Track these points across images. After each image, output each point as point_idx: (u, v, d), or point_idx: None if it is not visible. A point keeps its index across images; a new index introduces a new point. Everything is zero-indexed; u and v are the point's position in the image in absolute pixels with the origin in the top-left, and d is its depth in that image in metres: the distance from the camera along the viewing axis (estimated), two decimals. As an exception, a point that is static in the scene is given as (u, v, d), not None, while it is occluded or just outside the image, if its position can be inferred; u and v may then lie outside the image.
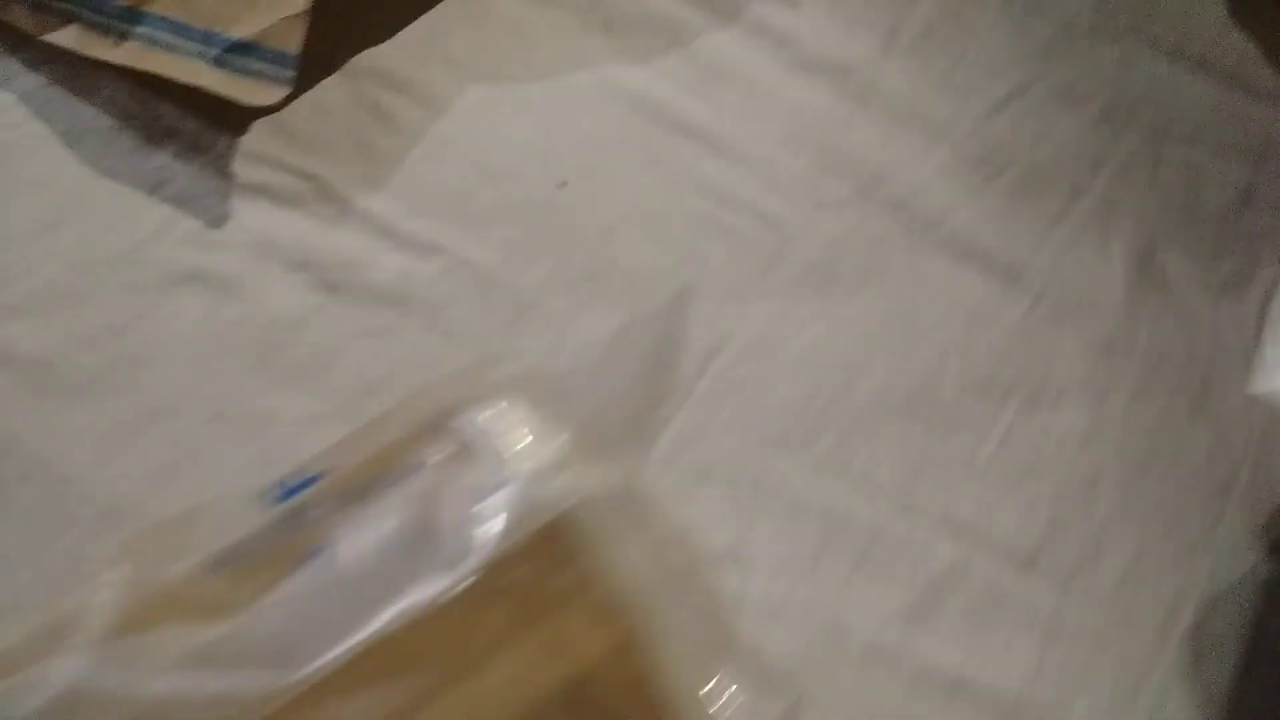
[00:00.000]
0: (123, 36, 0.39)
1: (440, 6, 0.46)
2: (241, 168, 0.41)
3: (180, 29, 0.38)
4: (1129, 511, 0.42)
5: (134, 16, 0.39)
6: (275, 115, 0.42)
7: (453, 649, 0.21)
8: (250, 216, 0.41)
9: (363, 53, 0.43)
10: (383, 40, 0.45)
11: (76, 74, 0.42)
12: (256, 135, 0.42)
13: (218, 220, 0.40)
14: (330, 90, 0.43)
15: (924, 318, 0.44)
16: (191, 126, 0.42)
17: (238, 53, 0.38)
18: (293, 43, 0.37)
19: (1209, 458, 0.43)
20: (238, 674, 0.20)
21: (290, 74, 0.38)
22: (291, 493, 0.24)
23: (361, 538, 0.21)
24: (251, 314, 0.39)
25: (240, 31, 0.38)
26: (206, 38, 0.38)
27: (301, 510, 0.23)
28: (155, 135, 0.41)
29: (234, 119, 0.42)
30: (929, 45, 0.48)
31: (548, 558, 0.22)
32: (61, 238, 0.39)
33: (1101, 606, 0.40)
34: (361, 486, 0.23)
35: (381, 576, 0.21)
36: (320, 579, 0.21)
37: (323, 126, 0.42)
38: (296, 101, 0.42)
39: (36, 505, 0.34)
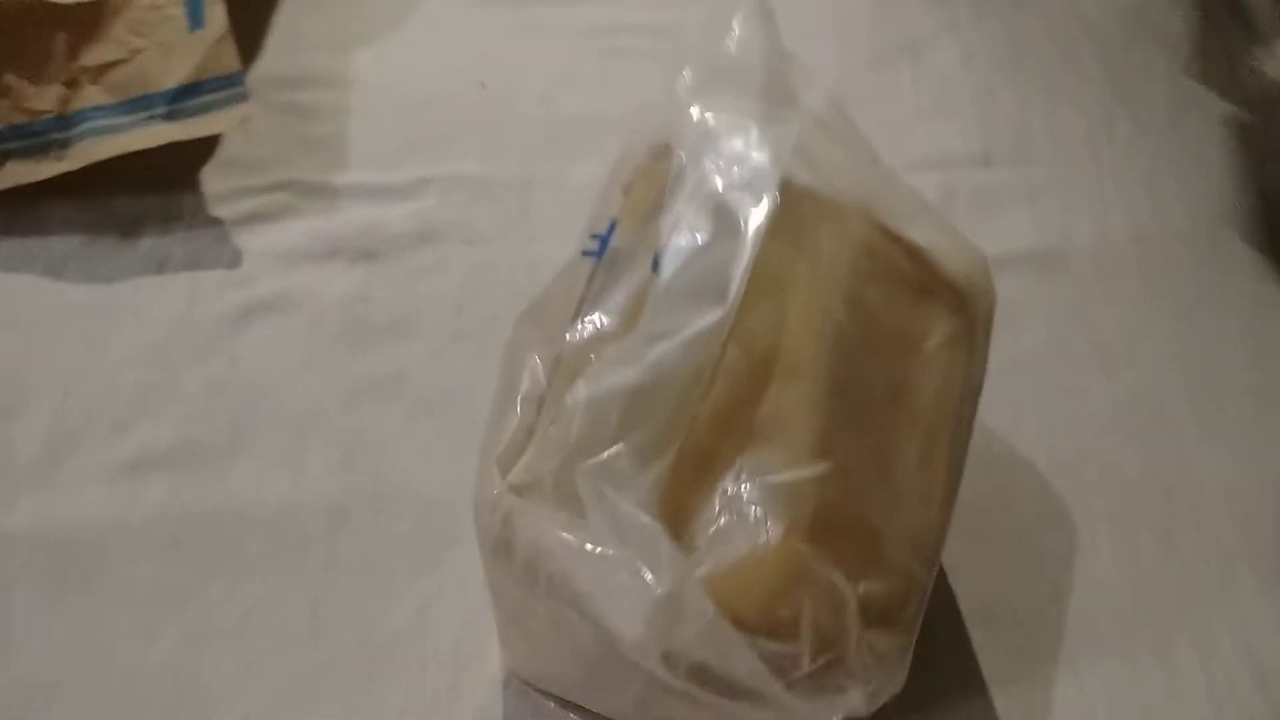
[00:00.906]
0: (63, 146, 0.40)
1: (284, 5, 0.48)
2: (220, 211, 0.43)
3: (117, 108, 0.40)
4: None
5: (67, 122, 0.40)
6: (215, 158, 0.44)
7: (787, 259, 0.26)
8: (257, 242, 0.43)
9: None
10: (253, 56, 0.47)
11: (19, 221, 0.42)
12: (212, 180, 0.44)
13: (234, 260, 0.42)
14: (244, 115, 0.45)
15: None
16: (152, 203, 0.43)
17: (184, 98, 0.40)
18: (230, 62, 0.40)
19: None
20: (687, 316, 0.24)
21: (242, 89, 0.40)
22: (605, 240, 0.28)
23: (680, 234, 0.26)
24: (319, 310, 0.41)
25: (175, 79, 0.40)
26: (147, 102, 0.40)
27: (616, 251, 0.27)
28: (126, 228, 0.43)
29: (182, 179, 0.44)
30: None
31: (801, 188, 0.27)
32: (115, 353, 0.40)
33: None
34: (648, 211, 0.27)
35: (714, 244, 0.26)
36: (677, 262, 0.25)
37: (260, 144, 0.45)
38: (224, 137, 0.44)
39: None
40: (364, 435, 0.38)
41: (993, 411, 0.27)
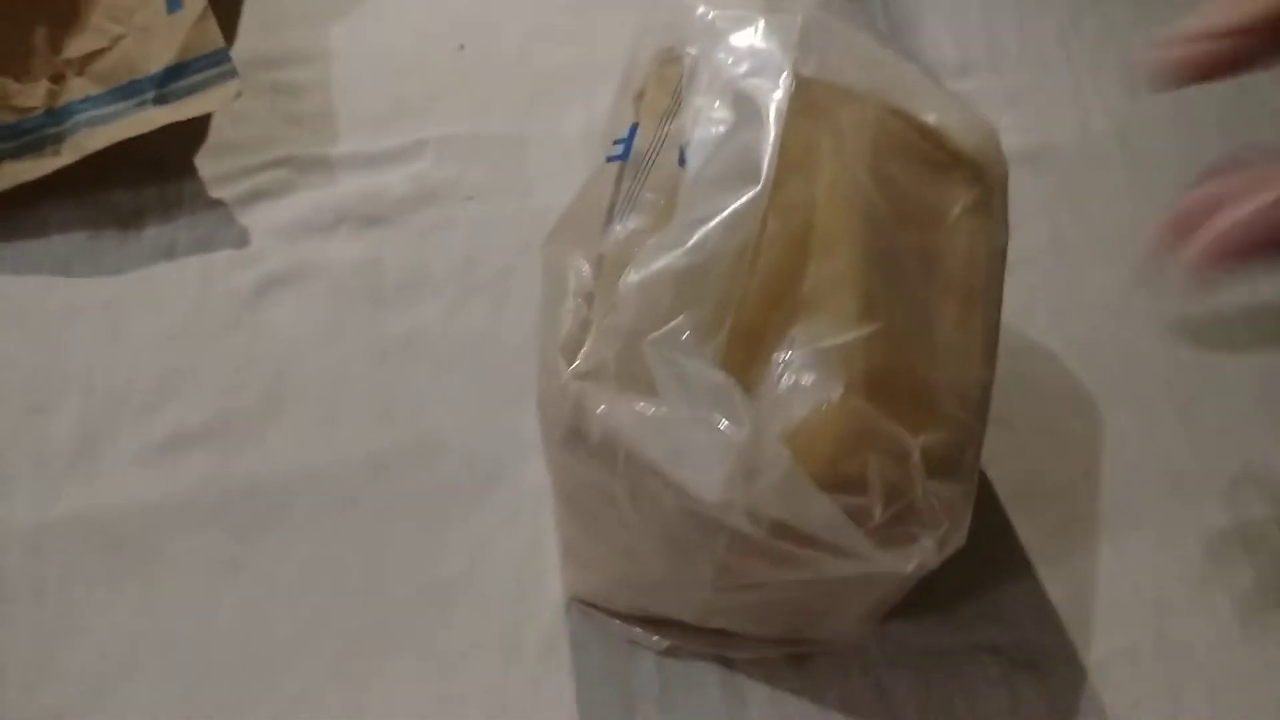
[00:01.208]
0: (57, 140, 0.40)
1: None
2: (220, 193, 0.43)
3: (106, 97, 0.40)
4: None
5: (57, 117, 0.40)
6: (208, 143, 0.44)
7: (811, 138, 0.27)
8: (262, 219, 0.43)
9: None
10: (230, 38, 0.47)
11: (17, 223, 0.42)
12: (208, 165, 0.44)
13: (241, 239, 0.42)
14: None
15: None
16: (152, 193, 0.43)
17: (172, 79, 0.40)
18: (214, 40, 0.40)
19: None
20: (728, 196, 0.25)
21: (230, 65, 0.40)
22: (628, 142, 0.28)
23: (702, 126, 0.26)
24: (333, 278, 0.41)
25: (160, 63, 0.40)
26: (135, 88, 0.40)
27: (640, 152, 0.28)
28: (129, 220, 0.43)
29: (179, 166, 0.44)
30: None
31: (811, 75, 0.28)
32: (134, 341, 0.40)
33: None
34: (665, 111, 0.28)
35: (737, 130, 0.26)
36: (704, 153, 0.26)
37: (251, 124, 0.45)
38: (215, 122, 0.44)
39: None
40: (394, 391, 0.39)
41: (1004, 307, 0.28)
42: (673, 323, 0.23)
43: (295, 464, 0.37)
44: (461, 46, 0.49)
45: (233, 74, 0.40)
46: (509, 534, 0.36)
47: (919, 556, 0.23)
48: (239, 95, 0.40)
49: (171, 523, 0.36)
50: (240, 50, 0.47)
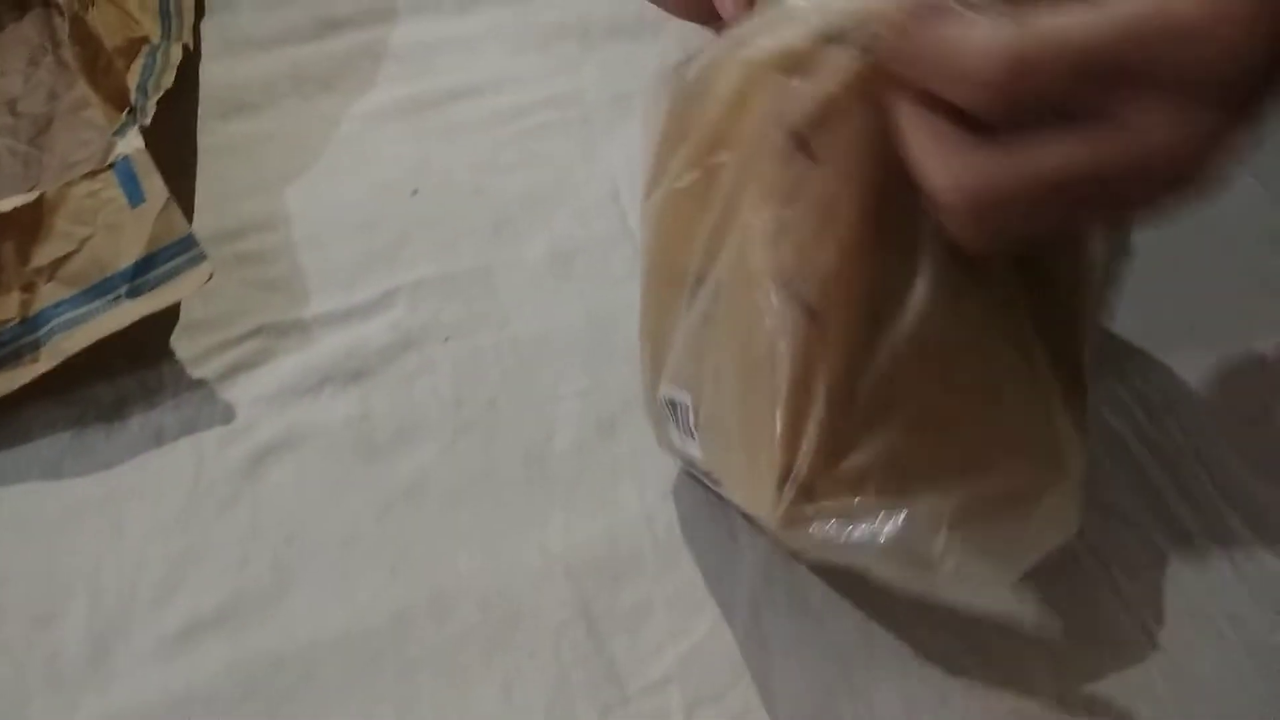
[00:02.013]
0: (34, 348, 0.40)
1: (204, 162, 0.50)
2: (200, 372, 0.44)
3: (79, 298, 0.40)
4: None
5: (32, 325, 0.40)
6: (181, 324, 0.45)
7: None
8: (246, 391, 0.43)
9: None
10: (187, 216, 0.48)
11: (2, 432, 0.42)
12: (184, 346, 0.45)
13: (228, 415, 0.43)
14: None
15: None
16: (131, 382, 0.44)
17: (143, 272, 0.41)
18: (180, 227, 0.41)
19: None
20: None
21: (198, 249, 0.41)
22: None
23: None
24: (326, 438, 0.42)
25: (130, 257, 0.40)
26: (107, 285, 0.41)
27: None
28: (112, 412, 0.43)
29: (155, 351, 0.44)
30: None
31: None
32: (135, 534, 0.40)
33: None
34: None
35: None
36: None
37: (221, 299, 0.46)
38: (183, 303, 0.45)
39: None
40: (402, 543, 0.39)
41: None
42: None
43: (315, 632, 0.37)
44: (415, 191, 0.50)
45: (202, 257, 0.41)
46: (533, 672, 0.36)
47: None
48: (210, 278, 0.40)
49: (198, 714, 0.35)
50: (199, 227, 0.48)
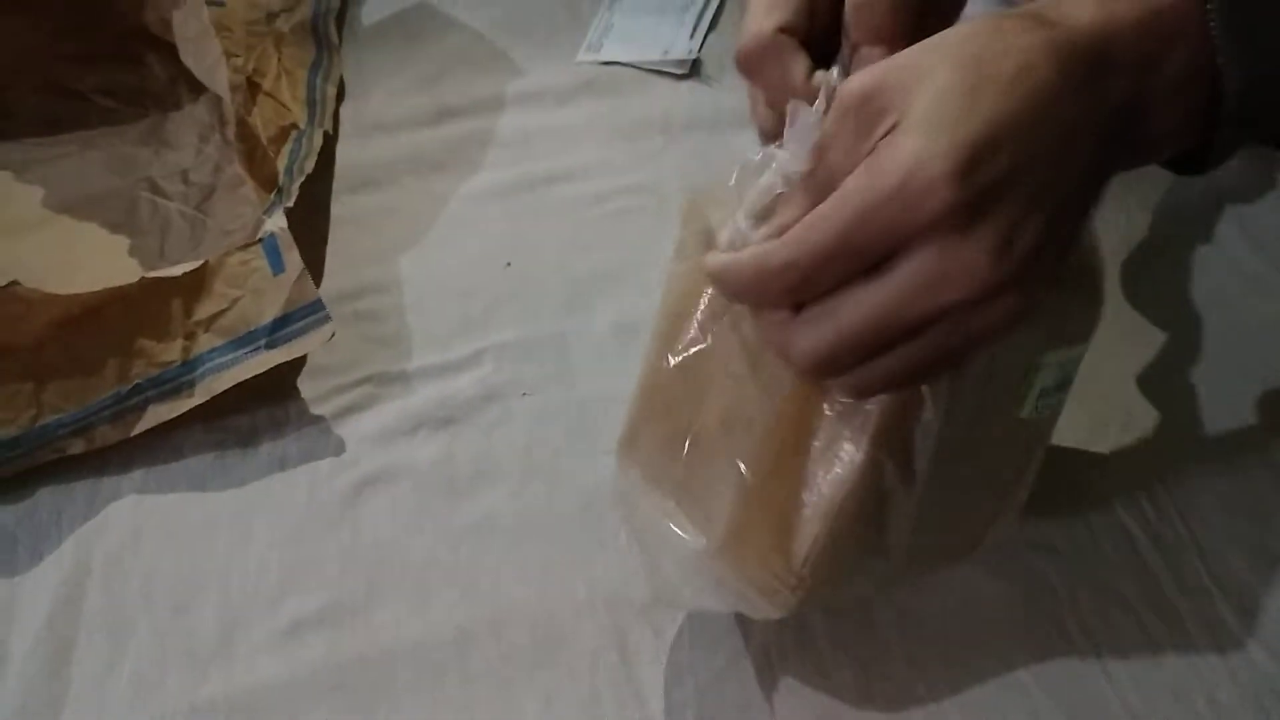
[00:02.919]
0: (190, 386, 0.49)
1: (335, 230, 0.59)
2: (320, 410, 0.52)
3: (227, 347, 0.49)
4: None
5: (190, 367, 0.49)
6: (307, 369, 0.54)
7: None
8: (355, 430, 0.52)
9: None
10: (318, 279, 0.57)
11: (157, 451, 0.51)
12: (308, 387, 0.53)
13: (339, 448, 0.51)
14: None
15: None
16: (264, 415, 0.52)
17: (280, 328, 0.49)
18: (311, 294, 0.49)
19: None
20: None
21: (324, 312, 0.49)
22: None
23: None
24: (416, 475, 0.49)
25: (269, 316, 0.49)
26: (251, 337, 0.49)
27: None
28: (248, 439, 0.52)
29: (284, 390, 0.53)
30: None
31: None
32: (259, 543, 0.48)
33: None
34: None
35: None
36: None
37: (340, 351, 0.54)
38: (310, 352, 0.54)
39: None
40: (471, 571, 0.46)
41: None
42: None
43: (395, 641, 0.44)
44: (509, 264, 0.58)
45: (327, 319, 0.49)
46: (571, 690, 0.42)
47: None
48: (333, 336, 0.49)
49: (299, 697, 0.43)
50: (328, 286, 0.57)
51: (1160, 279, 0.53)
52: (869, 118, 0.28)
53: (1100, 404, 0.48)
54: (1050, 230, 0.28)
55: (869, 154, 0.28)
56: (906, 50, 0.29)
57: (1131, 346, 0.51)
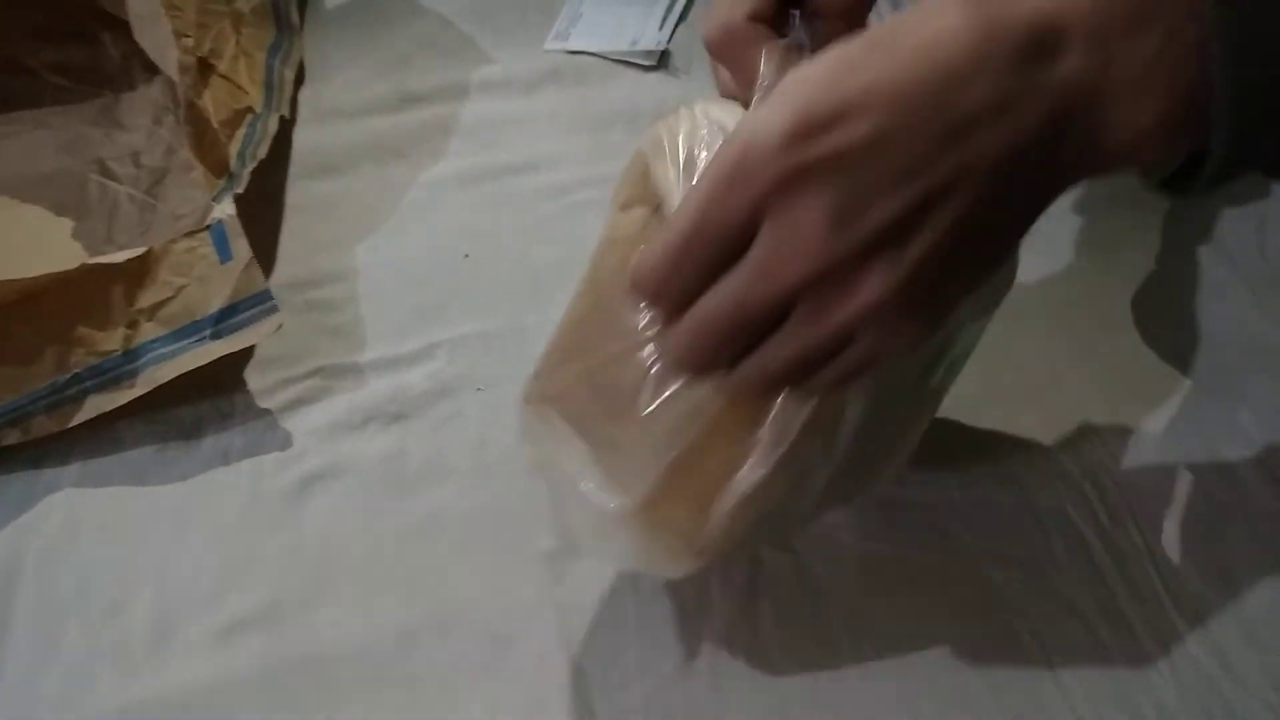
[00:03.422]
0: (132, 376, 0.48)
1: (290, 217, 0.57)
2: (266, 402, 0.51)
3: (171, 336, 0.48)
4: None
5: (132, 356, 0.48)
6: (254, 359, 0.52)
7: None
8: (302, 423, 0.50)
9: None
10: (269, 266, 0.56)
11: (97, 443, 0.50)
12: (255, 378, 0.52)
13: (285, 442, 0.50)
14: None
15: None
16: (208, 407, 0.51)
17: (225, 318, 0.48)
18: (258, 283, 0.48)
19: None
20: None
21: (272, 303, 0.48)
22: None
23: None
24: (364, 471, 0.48)
25: (215, 305, 0.48)
26: (195, 327, 0.48)
27: None
28: (190, 431, 0.50)
29: (230, 381, 0.52)
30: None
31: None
32: (198, 539, 0.47)
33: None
34: None
35: None
36: None
37: (290, 341, 0.52)
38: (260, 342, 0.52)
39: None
40: (418, 570, 0.45)
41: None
42: None
43: (336, 641, 0.43)
44: (467, 255, 0.57)
45: (274, 309, 0.48)
46: (517, 694, 0.41)
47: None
48: (280, 327, 0.48)
49: (234, 698, 0.42)
50: (280, 275, 0.56)
51: (1117, 288, 0.53)
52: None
53: (1059, 410, 0.48)
54: (932, 222, 0.25)
55: None
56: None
57: (1090, 354, 0.50)
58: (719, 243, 0.27)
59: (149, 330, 0.48)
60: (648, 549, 0.35)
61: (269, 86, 0.59)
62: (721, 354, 0.28)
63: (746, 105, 0.34)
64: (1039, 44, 0.25)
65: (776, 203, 0.25)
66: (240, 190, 0.50)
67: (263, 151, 0.54)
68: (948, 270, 0.26)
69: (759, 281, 0.26)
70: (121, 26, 0.61)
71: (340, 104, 0.64)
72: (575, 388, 0.36)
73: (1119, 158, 0.27)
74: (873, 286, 0.25)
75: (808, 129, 0.24)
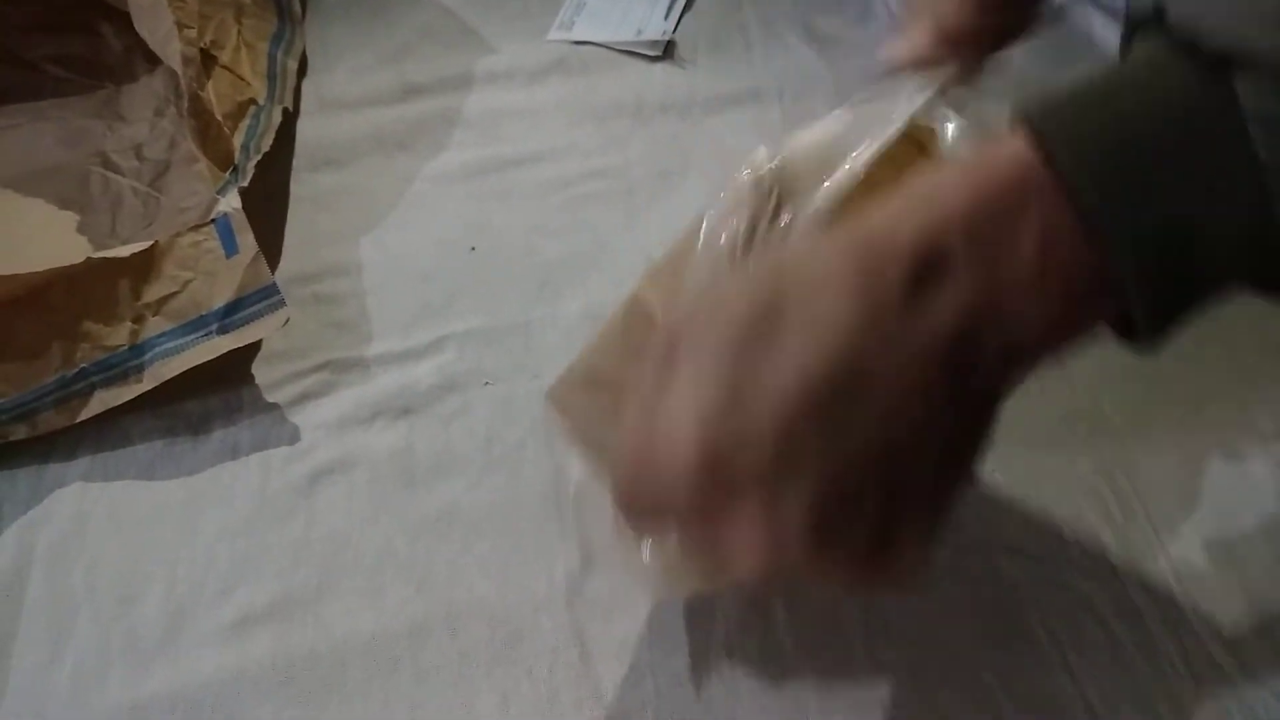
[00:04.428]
0: (138, 370, 0.48)
1: (294, 209, 0.57)
2: (274, 397, 0.51)
3: (177, 331, 0.48)
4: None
5: (138, 351, 0.48)
6: (262, 354, 0.52)
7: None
8: (311, 417, 0.50)
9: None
10: (276, 260, 0.56)
11: (104, 438, 0.50)
12: (263, 373, 0.52)
13: (294, 436, 0.50)
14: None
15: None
16: (216, 401, 0.51)
17: (232, 313, 0.48)
18: (265, 277, 0.48)
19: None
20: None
21: (279, 297, 0.48)
22: None
23: None
24: (373, 465, 0.48)
25: (222, 299, 0.48)
26: (202, 322, 0.48)
27: None
28: (199, 426, 0.50)
29: (238, 376, 0.51)
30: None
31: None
32: (208, 533, 0.47)
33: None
34: None
35: None
36: None
37: (297, 335, 0.52)
38: (267, 336, 0.52)
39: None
40: (428, 564, 0.45)
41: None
42: None
43: (348, 634, 0.43)
44: (473, 248, 0.56)
45: (281, 304, 0.48)
46: (529, 688, 0.41)
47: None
48: (287, 322, 0.47)
49: (245, 692, 0.42)
50: (285, 269, 0.55)
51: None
52: (669, 357, 0.26)
53: (1070, 402, 0.48)
54: (857, 488, 0.24)
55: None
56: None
57: (1103, 351, 0.50)
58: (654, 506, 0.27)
59: (155, 325, 0.47)
60: (659, 575, 0.35)
61: (272, 78, 0.59)
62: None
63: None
64: (925, 274, 0.24)
65: (698, 517, 0.25)
66: (245, 183, 0.50)
67: (267, 143, 0.54)
68: (915, 514, 0.26)
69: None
70: (122, 18, 0.60)
71: (343, 95, 0.63)
72: (590, 410, 0.37)
73: (1046, 345, 0.26)
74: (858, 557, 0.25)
75: (714, 461, 0.24)
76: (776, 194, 0.33)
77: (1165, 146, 0.24)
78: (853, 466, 0.24)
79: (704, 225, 0.34)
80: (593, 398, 0.37)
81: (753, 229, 0.33)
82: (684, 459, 0.24)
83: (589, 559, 0.40)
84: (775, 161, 0.33)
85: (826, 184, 0.32)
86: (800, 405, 0.24)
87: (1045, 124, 0.24)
